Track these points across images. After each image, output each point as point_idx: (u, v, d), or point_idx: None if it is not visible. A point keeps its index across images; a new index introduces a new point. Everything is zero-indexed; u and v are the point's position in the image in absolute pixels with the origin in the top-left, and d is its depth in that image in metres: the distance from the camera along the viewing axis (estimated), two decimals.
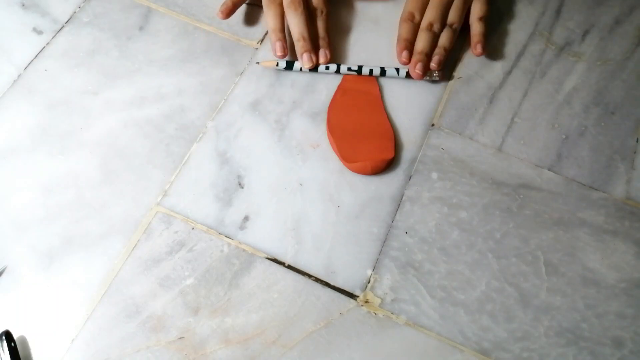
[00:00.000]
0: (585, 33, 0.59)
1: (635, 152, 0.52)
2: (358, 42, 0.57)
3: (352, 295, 0.45)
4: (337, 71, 0.54)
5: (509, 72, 0.56)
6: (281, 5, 0.53)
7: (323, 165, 0.50)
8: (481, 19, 0.55)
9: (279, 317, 0.44)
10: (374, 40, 0.57)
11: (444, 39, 0.54)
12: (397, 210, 0.48)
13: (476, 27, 0.55)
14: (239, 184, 0.49)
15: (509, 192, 0.50)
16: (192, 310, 0.44)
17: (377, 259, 0.47)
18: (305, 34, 0.53)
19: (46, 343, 0.42)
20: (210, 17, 0.57)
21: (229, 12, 0.54)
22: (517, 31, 0.58)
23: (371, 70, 0.54)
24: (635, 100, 0.55)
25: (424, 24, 0.54)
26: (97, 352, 0.42)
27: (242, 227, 0.47)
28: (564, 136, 0.53)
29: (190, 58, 0.54)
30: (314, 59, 0.53)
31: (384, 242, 0.47)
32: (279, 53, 0.53)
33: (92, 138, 0.50)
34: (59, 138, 0.50)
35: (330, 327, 0.44)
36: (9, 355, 0.40)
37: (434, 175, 0.50)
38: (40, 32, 0.55)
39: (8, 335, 0.41)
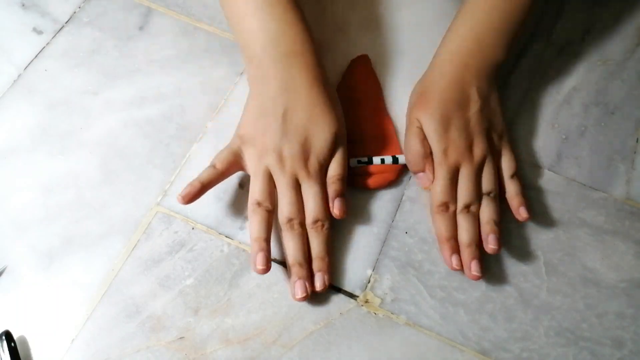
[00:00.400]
0: (585, 33, 0.58)
1: (635, 152, 0.52)
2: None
3: (352, 295, 0.45)
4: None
5: (509, 72, 0.56)
6: (270, 211, 0.45)
7: None
8: (513, 176, 0.48)
9: (279, 317, 0.44)
10: None
11: (489, 212, 0.46)
12: (397, 210, 0.48)
13: (512, 188, 0.48)
14: (239, 184, 0.49)
15: None
16: (192, 310, 0.44)
17: (377, 259, 0.47)
18: (302, 259, 0.44)
19: (46, 343, 0.42)
20: (210, 17, 0.57)
21: (191, 198, 0.44)
22: None
23: (382, 160, 0.49)
24: (635, 100, 0.55)
25: (460, 207, 0.46)
26: (97, 352, 0.42)
27: (242, 227, 0.47)
28: (564, 136, 0.53)
29: (190, 58, 0.54)
30: (308, 288, 0.43)
31: (384, 242, 0.47)
32: (260, 267, 0.42)
33: (92, 138, 0.50)
34: (59, 138, 0.50)
35: (330, 327, 0.44)
36: (9, 355, 0.40)
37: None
38: (40, 32, 0.55)
39: (8, 335, 0.41)
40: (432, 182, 0.47)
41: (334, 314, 0.44)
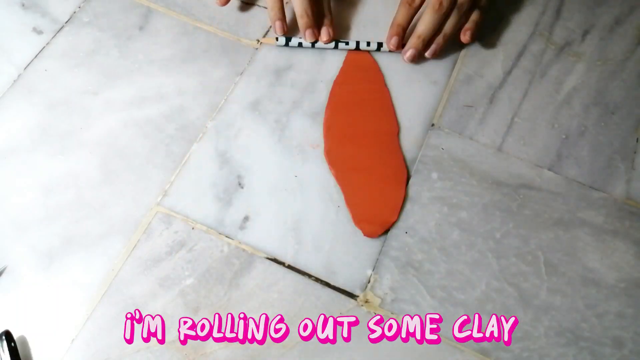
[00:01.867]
0: (585, 33, 0.59)
1: (635, 152, 0.52)
2: (362, 17, 0.57)
3: (352, 295, 0.45)
4: (336, 47, 0.55)
5: (509, 72, 0.56)
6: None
7: (323, 165, 0.50)
8: (480, 6, 0.54)
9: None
10: (380, 16, 0.58)
11: (448, 24, 0.52)
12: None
13: (475, 14, 0.54)
14: (239, 184, 0.49)
15: (509, 192, 0.50)
16: (192, 310, 0.44)
17: (377, 259, 0.47)
18: (309, 11, 0.53)
19: (46, 343, 0.42)
20: (210, 17, 0.57)
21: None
22: (517, 31, 0.58)
23: (368, 43, 0.54)
24: (635, 100, 0.55)
25: (432, 1, 0.51)
26: (97, 352, 0.42)
27: (242, 227, 0.47)
28: (564, 136, 0.53)
29: (190, 58, 0.54)
30: (316, 34, 0.53)
31: (384, 242, 0.47)
32: (279, 33, 0.54)
33: (92, 138, 0.50)
34: (59, 138, 0.50)
35: (330, 326, 0.44)
36: (9, 355, 0.40)
37: (434, 175, 0.50)
38: (40, 32, 0.55)
39: (8, 335, 0.41)
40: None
41: (334, 314, 0.44)
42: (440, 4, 0.51)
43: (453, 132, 0.52)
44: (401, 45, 0.53)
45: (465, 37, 0.54)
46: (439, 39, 0.53)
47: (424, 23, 0.52)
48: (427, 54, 0.53)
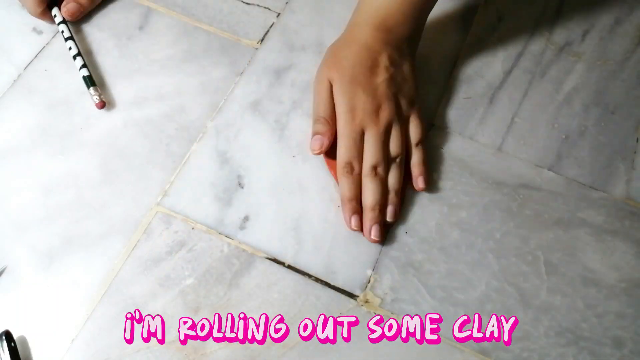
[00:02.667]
0: (585, 33, 0.59)
1: (635, 152, 0.52)
2: None
3: (352, 295, 0.45)
4: None
5: (509, 72, 0.56)
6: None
7: (323, 165, 0.50)
8: (418, 144, 0.49)
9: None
10: None
11: (393, 179, 0.47)
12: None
13: (415, 156, 0.49)
14: (239, 184, 0.49)
15: (509, 192, 0.50)
16: (192, 310, 0.44)
17: (377, 259, 0.47)
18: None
19: (46, 343, 0.42)
20: (210, 17, 0.57)
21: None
22: (517, 31, 0.58)
23: None
24: (635, 100, 0.55)
25: (365, 169, 0.47)
26: (97, 352, 0.42)
27: (242, 227, 0.47)
28: (564, 136, 0.53)
29: (190, 58, 0.54)
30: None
31: (384, 242, 0.47)
32: (316, 150, 0.48)
33: (92, 138, 0.50)
34: (59, 138, 0.50)
35: (330, 326, 0.44)
36: (9, 355, 0.40)
37: (434, 175, 0.50)
38: (40, 32, 0.55)
39: (8, 335, 0.41)
40: (325, 146, 0.48)
41: (334, 314, 0.44)
42: (374, 169, 0.46)
43: (453, 132, 0.52)
44: (361, 223, 0.47)
45: (419, 184, 0.48)
46: (393, 199, 0.47)
47: (370, 194, 0.46)
48: (389, 219, 0.47)
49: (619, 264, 0.47)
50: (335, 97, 0.48)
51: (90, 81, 0.51)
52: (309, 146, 0.49)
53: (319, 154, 0.48)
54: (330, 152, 0.50)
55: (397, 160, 0.48)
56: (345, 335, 0.44)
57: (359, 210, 0.47)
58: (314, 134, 0.48)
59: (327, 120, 0.48)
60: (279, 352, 0.43)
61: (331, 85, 0.49)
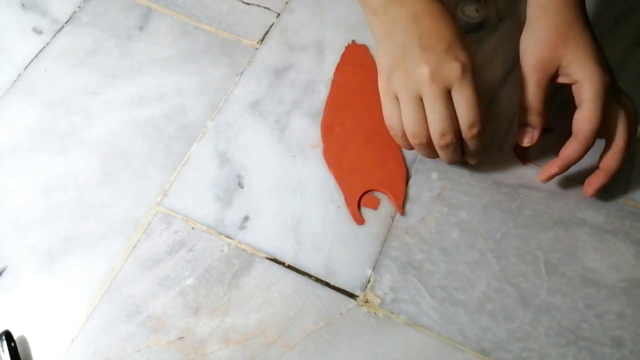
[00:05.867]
0: None
1: (635, 152, 0.52)
2: None
3: (352, 295, 0.45)
4: None
5: (509, 72, 0.56)
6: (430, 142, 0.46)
7: (323, 165, 0.50)
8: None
9: (279, 317, 0.44)
10: None
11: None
12: (397, 210, 0.48)
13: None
14: (239, 184, 0.49)
15: (509, 192, 0.50)
16: (192, 310, 0.44)
17: (377, 259, 0.47)
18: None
19: (46, 343, 0.42)
20: (210, 17, 0.57)
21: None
22: (518, 31, 0.58)
23: None
24: (635, 100, 0.55)
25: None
26: (97, 352, 0.42)
27: (242, 227, 0.47)
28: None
29: (190, 58, 0.54)
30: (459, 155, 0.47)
31: (384, 242, 0.47)
32: (527, 142, 0.48)
33: (92, 138, 0.50)
34: (59, 138, 0.50)
35: (330, 327, 0.44)
36: (9, 355, 0.40)
37: (434, 175, 0.50)
38: (40, 32, 0.55)
39: (8, 335, 0.41)
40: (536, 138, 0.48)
41: (334, 314, 0.44)
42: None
43: None
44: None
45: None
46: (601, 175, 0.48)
47: (614, 159, 0.47)
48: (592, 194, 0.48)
49: (619, 264, 0.47)
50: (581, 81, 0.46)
51: None
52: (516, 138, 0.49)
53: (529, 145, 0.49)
54: (330, 152, 0.50)
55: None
56: (345, 334, 0.43)
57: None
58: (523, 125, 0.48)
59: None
60: (279, 352, 0.43)
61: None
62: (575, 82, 0.46)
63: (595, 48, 0.47)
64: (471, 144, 0.46)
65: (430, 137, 0.45)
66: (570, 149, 0.47)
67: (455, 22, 0.46)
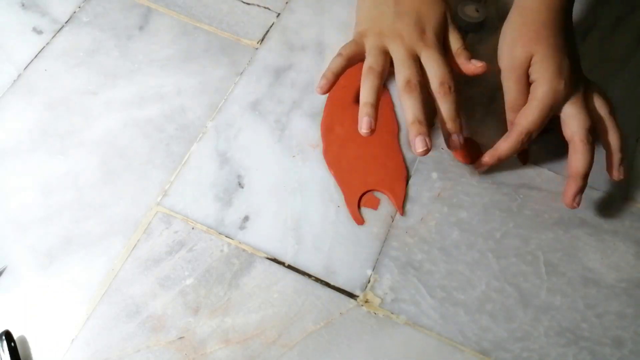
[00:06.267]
0: (586, 33, 0.58)
1: (635, 152, 0.52)
2: None
3: (352, 295, 0.45)
4: None
5: None
6: (380, 78, 0.47)
7: (323, 165, 0.50)
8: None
9: (279, 317, 0.44)
10: None
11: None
12: (397, 210, 0.48)
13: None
14: (239, 184, 0.49)
15: (509, 192, 0.50)
16: (192, 310, 0.44)
17: (377, 259, 0.47)
18: (422, 117, 0.45)
19: (46, 343, 0.42)
20: (210, 17, 0.57)
21: (328, 89, 0.48)
22: None
23: None
24: (635, 100, 0.55)
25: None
26: (97, 352, 0.42)
27: (242, 227, 0.47)
28: None
29: (190, 58, 0.54)
30: (428, 142, 0.45)
31: (384, 242, 0.47)
32: (365, 130, 0.45)
33: (92, 138, 0.50)
34: (59, 138, 0.50)
35: (330, 327, 0.44)
36: (9, 355, 0.40)
37: (434, 175, 0.50)
38: (40, 32, 0.55)
39: (8, 335, 0.41)
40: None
41: (334, 314, 0.44)
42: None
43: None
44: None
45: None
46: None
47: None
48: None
49: (619, 264, 0.47)
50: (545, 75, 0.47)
51: None
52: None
53: None
54: (330, 152, 0.50)
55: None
56: (345, 334, 0.43)
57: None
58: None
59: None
60: (279, 352, 0.43)
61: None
62: (532, 82, 0.47)
63: (562, 54, 0.47)
64: (445, 103, 0.46)
65: (383, 73, 0.47)
66: (503, 142, 0.48)
67: None
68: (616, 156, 0.48)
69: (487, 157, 0.48)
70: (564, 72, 0.47)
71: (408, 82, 0.46)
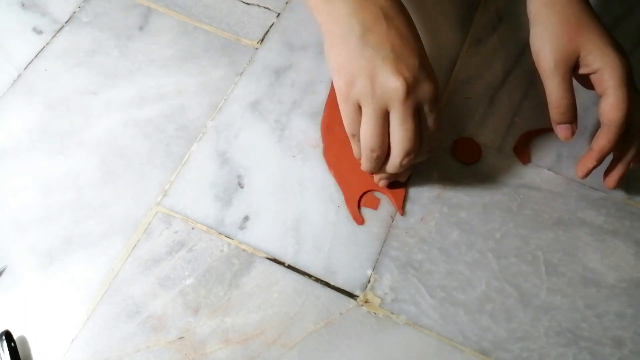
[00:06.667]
0: None
1: None
2: None
3: (352, 295, 0.45)
4: None
5: (509, 72, 0.56)
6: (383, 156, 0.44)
7: (323, 165, 0.50)
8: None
9: (279, 317, 0.44)
10: None
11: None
12: (397, 210, 0.48)
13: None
14: (239, 184, 0.49)
15: (509, 192, 0.50)
16: (192, 310, 0.44)
17: (377, 259, 0.47)
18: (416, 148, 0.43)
19: (46, 343, 0.42)
20: (210, 17, 0.57)
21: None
22: (518, 30, 0.58)
23: None
24: None
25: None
26: (97, 352, 0.42)
27: (242, 227, 0.47)
28: None
29: (190, 58, 0.54)
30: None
31: (384, 242, 0.47)
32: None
33: (92, 138, 0.50)
34: (59, 138, 0.50)
35: (330, 327, 0.44)
36: (9, 355, 0.40)
37: (434, 175, 0.50)
38: (40, 32, 0.55)
39: (8, 335, 0.41)
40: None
41: (334, 314, 0.44)
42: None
43: (453, 132, 0.52)
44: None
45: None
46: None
47: None
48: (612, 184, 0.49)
49: (619, 264, 0.47)
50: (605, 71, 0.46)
51: None
52: None
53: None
54: (330, 152, 0.50)
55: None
56: (345, 334, 0.43)
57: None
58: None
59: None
60: (279, 352, 0.43)
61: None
62: (596, 72, 0.46)
63: (609, 35, 0.46)
64: (410, 164, 0.44)
65: (384, 153, 0.43)
66: (603, 140, 0.46)
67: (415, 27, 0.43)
68: (622, 168, 0.48)
69: (595, 161, 0.47)
70: (622, 50, 0.46)
71: (408, 156, 0.43)
